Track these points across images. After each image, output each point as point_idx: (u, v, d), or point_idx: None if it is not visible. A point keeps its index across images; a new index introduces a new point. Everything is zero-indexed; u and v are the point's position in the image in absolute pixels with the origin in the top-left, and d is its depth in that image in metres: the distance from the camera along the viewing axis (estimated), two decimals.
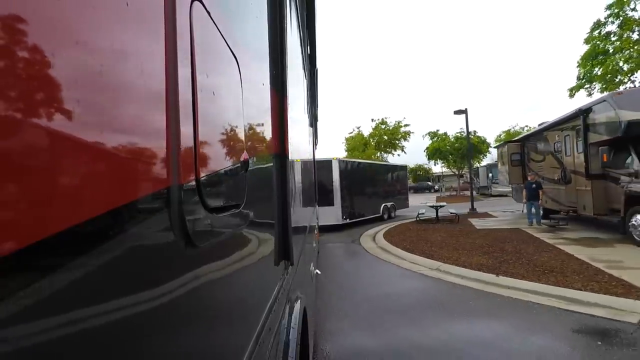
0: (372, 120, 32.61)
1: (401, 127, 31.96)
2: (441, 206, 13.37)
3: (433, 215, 12.85)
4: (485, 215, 14.29)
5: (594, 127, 8.32)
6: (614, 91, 7.72)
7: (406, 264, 6.80)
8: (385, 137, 31.87)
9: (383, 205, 14.95)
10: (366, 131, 33.15)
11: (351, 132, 33.76)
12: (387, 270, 6.48)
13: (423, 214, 13.02)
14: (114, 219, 0.33)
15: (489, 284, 5.19)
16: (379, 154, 32.44)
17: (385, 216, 14.86)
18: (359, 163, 14.83)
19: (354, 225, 12.58)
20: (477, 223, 11.81)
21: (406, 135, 31.92)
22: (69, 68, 0.28)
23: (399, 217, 15.19)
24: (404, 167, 19.20)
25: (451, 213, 12.86)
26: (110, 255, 0.33)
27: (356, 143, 31.40)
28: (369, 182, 14.52)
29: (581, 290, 4.58)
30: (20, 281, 0.23)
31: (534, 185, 10.26)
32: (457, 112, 16.27)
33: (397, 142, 32.12)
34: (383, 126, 32.04)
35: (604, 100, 7.74)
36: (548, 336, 3.42)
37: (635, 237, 6.83)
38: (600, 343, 3.23)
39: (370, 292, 5.05)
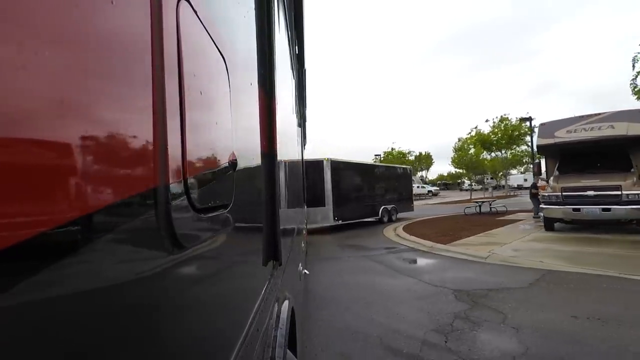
0: (486, 120, 33.49)
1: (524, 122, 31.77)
2: (483, 202, 16.80)
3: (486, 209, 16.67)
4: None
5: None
6: (542, 122, 10.90)
7: (392, 235, 11.28)
8: (506, 135, 32.41)
9: (382, 207, 14.69)
10: (479, 132, 34.04)
11: (469, 132, 35.23)
12: (380, 237, 11.28)
13: (470, 208, 17.04)
14: (99, 219, 0.33)
15: (404, 239, 10.16)
16: (499, 152, 33.38)
17: (385, 219, 14.65)
18: (355, 164, 14.43)
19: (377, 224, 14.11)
20: (506, 217, 14.62)
21: (530, 131, 31.30)
22: (53, 67, 0.28)
23: (403, 219, 15.32)
24: (407, 169, 18.05)
25: (491, 208, 16.45)
26: (95, 256, 0.33)
27: (464, 144, 33.23)
28: (366, 184, 14.21)
29: (438, 243, 8.94)
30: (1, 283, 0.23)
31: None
32: (523, 120, 18.18)
33: (520, 138, 32.43)
34: (503, 124, 32.56)
35: (537, 128, 11.06)
36: (395, 251, 8.69)
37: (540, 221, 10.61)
38: (404, 260, 7.92)
39: (358, 242, 10.48)
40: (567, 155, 10.52)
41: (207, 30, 0.63)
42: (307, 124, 7.86)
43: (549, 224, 10.03)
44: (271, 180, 1.23)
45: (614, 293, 4.76)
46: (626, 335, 3.50)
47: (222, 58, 0.72)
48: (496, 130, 33.33)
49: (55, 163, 0.28)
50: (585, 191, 8.98)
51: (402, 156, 54.04)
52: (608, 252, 7.08)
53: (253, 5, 1.13)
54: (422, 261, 7.55)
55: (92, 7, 0.33)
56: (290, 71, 3.00)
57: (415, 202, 18.86)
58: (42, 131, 0.26)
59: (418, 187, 48.61)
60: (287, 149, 2.37)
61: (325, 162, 12.11)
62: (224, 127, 0.74)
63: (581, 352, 3.24)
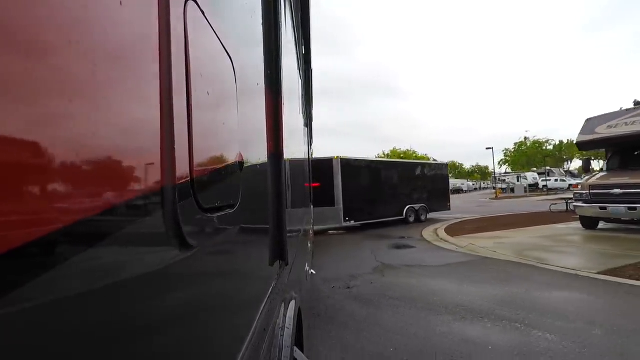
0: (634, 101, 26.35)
1: None
2: (570, 199, 15.26)
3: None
4: None
5: None
6: (588, 117, 10.14)
7: (428, 231, 11.34)
8: None
9: (408, 207, 13.82)
10: None
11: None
12: (413, 230, 11.79)
13: (557, 205, 15.89)
14: (106, 219, 0.33)
15: (427, 232, 10.91)
16: None
17: (412, 219, 13.84)
18: (371, 162, 13.75)
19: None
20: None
21: None
22: (61, 67, 0.28)
23: (436, 220, 14.38)
24: (441, 166, 16.32)
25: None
26: (102, 256, 0.33)
27: None
28: (386, 182, 13.45)
29: (449, 235, 9.91)
30: (5, 284, 0.23)
31: None
32: None
33: None
34: None
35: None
36: (400, 240, 10.00)
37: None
38: (393, 246, 9.17)
39: (387, 233, 11.42)
40: (616, 152, 9.88)
41: (214, 31, 0.64)
42: (313, 123, 7.98)
43: (586, 223, 9.77)
44: (278, 180, 1.24)
45: (499, 274, 5.64)
46: (438, 293, 4.77)
47: (229, 58, 0.73)
48: None
49: (63, 163, 0.28)
50: (612, 189, 8.74)
51: (538, 146, 47.54)
52: (585, 248, 7.37)
53: (260, 6, 1.15)
54: (404, 248, 8.74)
55: (100, 7, 0.33)
56: (297, 71, 3.07)
57: (533, 198, 18.65)
58: (51, 131, 0.27)
59: (556, 180, 42.39)
60: (294, 149, 2.40)
61: (335, 160, 11.76)
62: (230, 127, 0.75)
63: (391, 295, 4.66)
